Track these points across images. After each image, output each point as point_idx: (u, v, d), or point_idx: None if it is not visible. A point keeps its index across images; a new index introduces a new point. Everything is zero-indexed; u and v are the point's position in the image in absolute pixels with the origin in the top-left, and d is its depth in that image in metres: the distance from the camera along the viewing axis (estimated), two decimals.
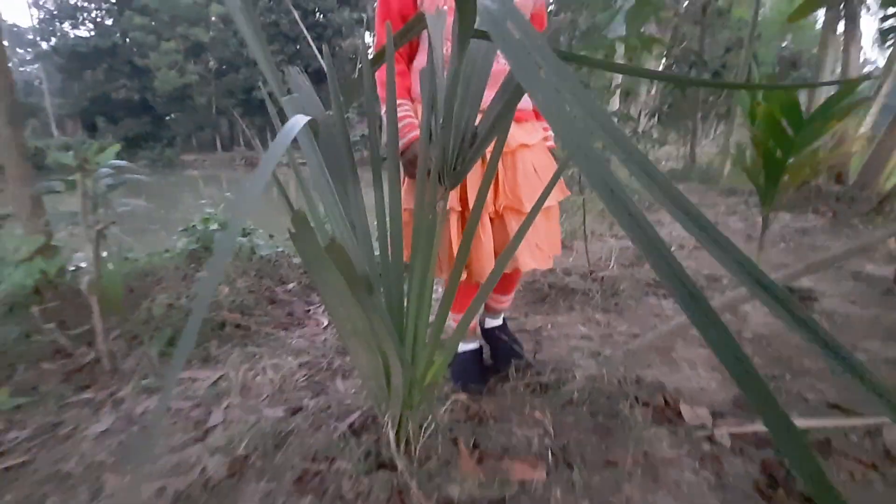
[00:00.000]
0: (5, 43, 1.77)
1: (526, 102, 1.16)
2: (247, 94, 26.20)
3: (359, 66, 0.85)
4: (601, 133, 0.43)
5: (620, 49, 2.30)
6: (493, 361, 1.41)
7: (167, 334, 1.54)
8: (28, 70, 31.40)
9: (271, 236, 2.79)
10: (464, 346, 1.36)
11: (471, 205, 1.05)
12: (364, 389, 1.26)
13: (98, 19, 28.29)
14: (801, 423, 1.12)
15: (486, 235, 1.12)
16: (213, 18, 25.85)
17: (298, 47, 25.22)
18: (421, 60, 1.14)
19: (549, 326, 1.73)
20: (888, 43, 3.88)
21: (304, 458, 0.99)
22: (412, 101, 1.14)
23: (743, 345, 1.54)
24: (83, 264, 2.00)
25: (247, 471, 0.99)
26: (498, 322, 1.45)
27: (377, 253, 0.90)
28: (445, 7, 1.02)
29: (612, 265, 2.31)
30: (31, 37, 28.45)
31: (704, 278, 2.17)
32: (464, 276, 1.12)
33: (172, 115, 27.70)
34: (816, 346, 0.34)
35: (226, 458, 1.01)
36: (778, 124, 1.52)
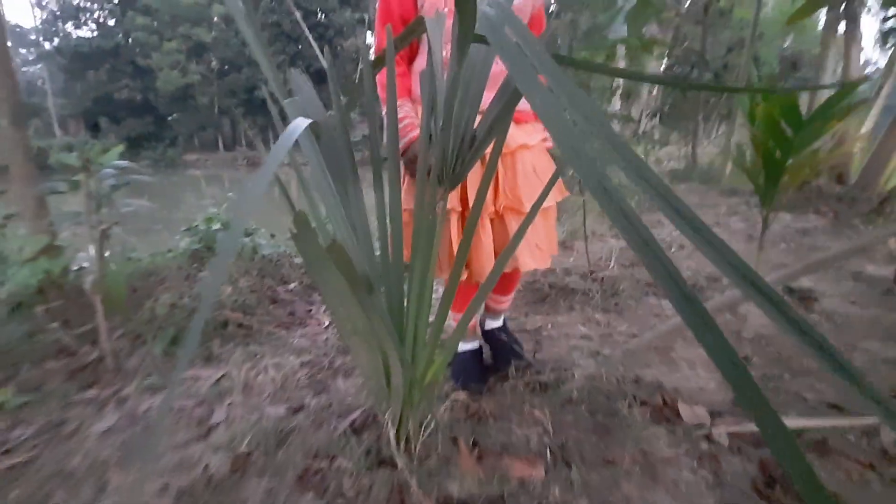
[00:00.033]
0: (8, 44, 1.79)
1: (526, 104, 1.17)
2: (249, 94, 26.26)
3: (360, 66, 0.86)
4: (597, 136, 0.44)
5: (622, 50, 2.31)
6: (494, 362, 1.42)
7: (170, 333, 1.55)
8: (31, 70, 31.51)
9: (273, 236, 2.80)
10: (464, 346, 1.37)
11: (471, 205, 1.06)
12: (365, 388, 1.27)
13: (100, 20, 28.39)
14: (798, 422, 1.12)
15: (486, 235, 1.13)
16: (216, 18, 25.91)
17: (300, 47, 25.27)
18: (421, 62, 1.15)
19: (549, 326, 1.74)
20: (889, 44, 3.87)
21: (305, 456, 1.01)
22: (413, 102, 1.15)
23: (742, 345, 1.56)
24: (86, 264, 2.02)
25: (249, 468, 1.00)
26: (498, 323, 1.46)
27: (378, 253, 0.91)
28: (446, 10, 1.03)
29: (612, 265, 2.32)
30: (33, 37, 28.57)
31: (704, 278, 2.17)
32: (464, 275, 1.13)
33: (175, 115, 27.77)
34: (806, 345, 0.35)
35: (228, 456, 1.03)
36: (777, 125, 1.52)
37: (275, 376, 1.39)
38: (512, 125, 1.07)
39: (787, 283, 2.05)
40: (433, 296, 0.99)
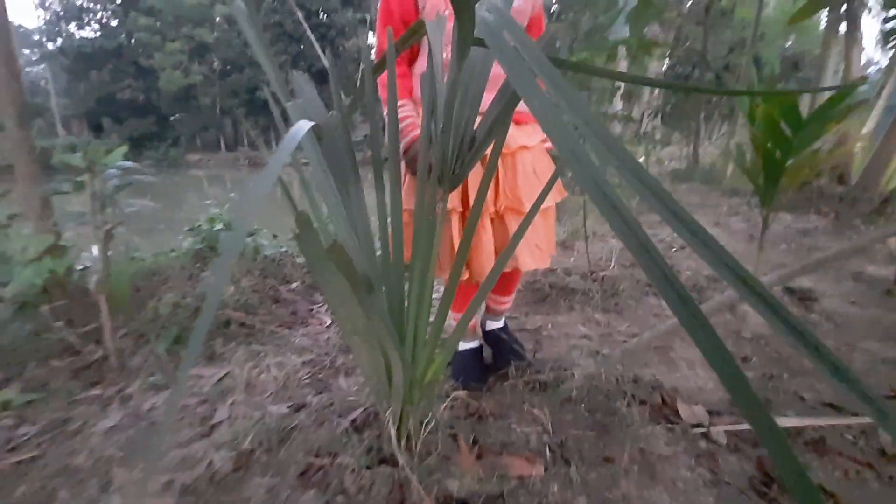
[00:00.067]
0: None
1: (525, 105, 1.18)
2: (251, 95, 26.32)
3: (361, 66, 0.87)
4: (594, 139, 0.45)
5: (623, 50, 2.31)
6: (495, 362, 1.43)
7: (173, 333, 1.57)
8: (34, 71, 31.62)
9: (275, 236, 2.82)
10: (464, 345, 1.38)
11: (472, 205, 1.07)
12: (366, 387, 1.28)
13: (103, 20, 28.49)
14: (796, 421, 1.13)
15: (486, 235, 1.14)
16: (218, 19, 25.98)
17: (302, 47, 25.32)
18: (422, 64, 1.16)
19: (550, 326, 1.75)
20: (890, 44, 3.87)
21: (307, 454, 1.02)
22: (414, 103, 1.16)
23: (742, 345, 1.57)
24: (89, 264, 2.03)
25: (252, 465, 1.01)
26: (499, 324, 1.47)
27: (378, 253, 0.92)
28: (446, 12, 1.04)
29: (612, 265, 2.33)
30: (37, 38, 28.66)
31: (704, 278, 2.18)
32: (465, 275, 1.14)
33: (177, 116, 27.85)
34: (801, 347, 0.35)
35: (231, 453, 1.04)
36: (777, 126, 1.53)
37: (277, 375, 1.41)
38: (512, 126, 1.08)
39: (787, 283, 2.06)
40: (433, 295, 1.00)
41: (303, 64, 24.90)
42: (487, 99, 0.86)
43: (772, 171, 1.63)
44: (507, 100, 0.80)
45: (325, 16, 26.55)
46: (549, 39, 0.79)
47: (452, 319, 1.36)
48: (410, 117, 1.11)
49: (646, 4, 2.41)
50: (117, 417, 1.24)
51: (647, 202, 0.42)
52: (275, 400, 1.29)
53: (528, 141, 1.16)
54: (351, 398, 1.26)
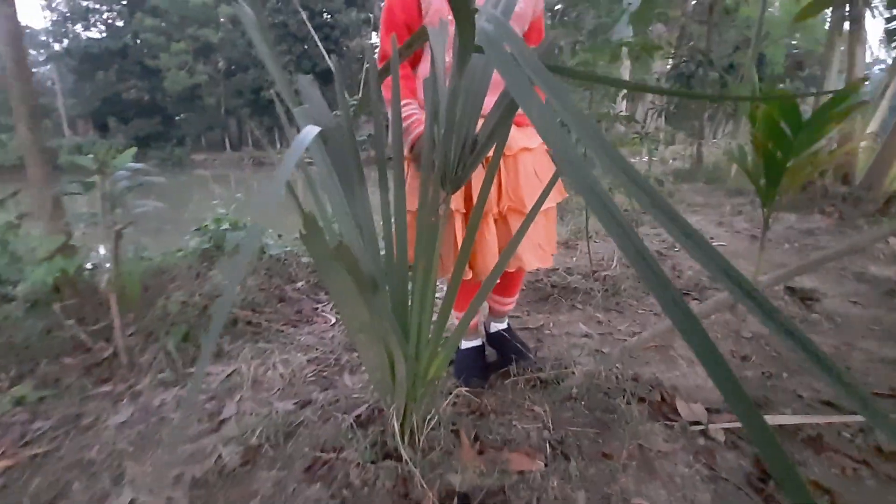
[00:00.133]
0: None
1: None
2: (255, 95, 26.43)
3: (365, 65, 0.89)
4: (591, 144, 0.47)
5: (626, 50, 2.32)
6: (499, 362, 1.44)
7: (182, 330, 1.60)
8: (41, 71, 31.84)
9: (280, 236, 2.85)
10: (466, 343, 1.40)
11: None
12: (370, 383, 1.31)
13: (109, 21, 28.68)
14: (794, 419, 1.15)
15: (490, 236, 1.16)
16: (223, 19, 26.09)
17: (306, 47, 25.39)
18: (425, 68, 1.18)
19: (551, 325, 1.76)
20: (894, 43, 3.85)
21: (313, 448, 1.04)
22: (418, 103, 1.18)
23: (741, 344, 1.58)
24: (96, 263, 2.07)
25: (259, 459, 1.04)
26: (503, 325, 1.48)
27: (383, 253, 0.95)
28: (449, 17, 1.06)
29: (614, 265, 2.34)
30: (43, 38, 28.87)
31: (706, 278, 2.19)
32: (468, 275, 1.17)
33: (182, 116, 28.02)
34: (794, 348, 0.37)
35: (239, 448, 1.07)
36: (777, 126, 1.54)
37: (283, 372, 1.43)
38: (514, 128, 1.10)
39: (789, 283, 2.07)
40: (436, 295, 1.03)
41: (306, 64, 24.98)
42: (489, 102, 0.88)
43: (773, 171, 1.64)
44: (508, 103, 0.82)
45: (329, 16, 26.61)
46: (549, 45, 0.81)
47: (455, 318, 1.38)
48: (415, 114, 1.13)
49: (649, 5, 2.42)
50: (128, 413, 1.27)
51: (644, 206, 0.43)
52: (281, 396, 1.32)
53: (529, 143, 1.18)
54: (355, 395, 1.29)
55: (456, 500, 0.89)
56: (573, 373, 1.30)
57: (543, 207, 1.10)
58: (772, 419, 1.14)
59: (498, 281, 1.08)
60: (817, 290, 2.03)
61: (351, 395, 1.28)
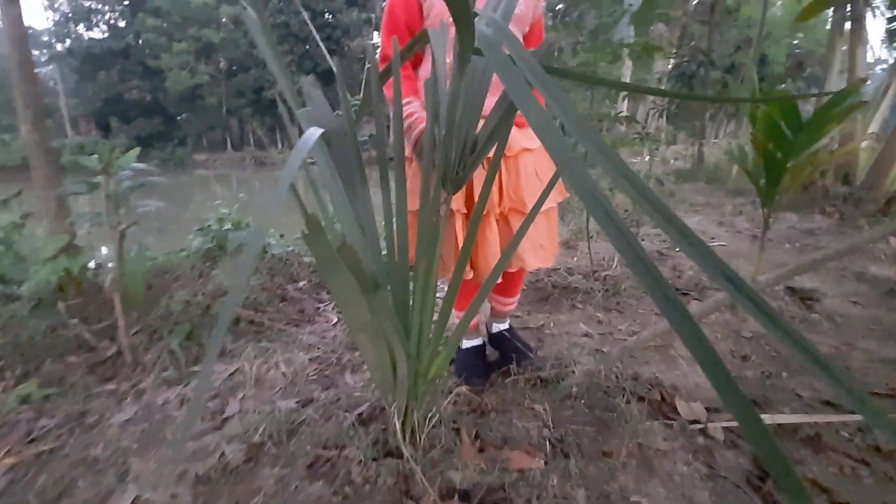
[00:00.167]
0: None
1: None
2: (257, 95, 26.48)
3: (367, 65, 0.90)
4: (589, 145, 0.48)
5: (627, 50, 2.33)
6: (501, 362, 1.44)
7: (185, 329, 1.61)
8: (43, 71, 31.93)
9: (282, 236, 2.86)
10: (467, 343, 1.41)
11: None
12: (372, 382, 1.32)
13: (111, 21, 28.74)
14: (793, 418, 1.15)
15: (493, 236, 1.16)
16: (224, 20, 26.13)
17: (308, 47, 25.42)
18: (426, 69, 1.19)
19: (552, 324, 1.77)
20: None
21: (315, 446, 1.06)
22: (420, 102, 1.19)
23: (741, 343, 1.59)
24: (99, 262, 2.09)
25: (262, 457, 1.05)
26: (504, 325, 1.49)
27: (384, 253, 0.96)
28: (450, 20, 1.07)
29: (615, 265, 2.35)
30: (46, 38, 28.90)
31: (707, 278, 2.19)
32: (469, 275, 1.17)
33: (184, 115, 28.07)
34: (789, 347, 0.37)
35: (242, 445, 1.08)
36: (777, 126, 1.55)
37: (285, 371, 1.45)
38: (514, 129, 1.11)
39: (788, 283, 2.07)
40: (437, 294, 1.04)
41: (308, 64, 25.02)
42: (490, 103, 0.89)
43: (773, 171, 1.64)
44: (508, 104, 0.83)
45: (331, 16, 26.64)
46: (547, 47, 0.82)
47: (455, 318, 1.39)
48: (418, 112, 1.13)
49: (650, 5, 2.42)
50: (132, 411, 1.28)
51: (641, 208, 0.44)
52: (283, 395, 1.33)
53: (529, 143, 1.19)
54: (357, 394, 1.30)
55: (456, 497, 0.90)
56: (573, 372, 1.31)
57: (544, 207, 1.11)
58: (771, 418, 1.15)
59: (499, 281, 1.09)
60: (817, 290, 2.04)
61: (352, 394, 1.29)
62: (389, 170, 0.92)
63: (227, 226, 2.54)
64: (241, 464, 1.03)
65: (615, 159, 0.47)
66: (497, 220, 1.19)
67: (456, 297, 0.98)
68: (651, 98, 8.13)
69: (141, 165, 1.62)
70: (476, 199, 1.13)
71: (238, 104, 27.27)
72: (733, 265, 2.64)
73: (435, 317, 0.99)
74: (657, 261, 2.55)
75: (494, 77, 0.87)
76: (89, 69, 26.88)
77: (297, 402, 1.27)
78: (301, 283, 2.25)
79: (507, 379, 1.33)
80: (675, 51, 7.40)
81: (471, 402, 1.22)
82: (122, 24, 28.44)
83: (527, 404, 1.20)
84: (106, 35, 28.28)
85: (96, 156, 1.48)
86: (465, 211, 1.16)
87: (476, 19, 0.57)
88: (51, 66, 28.36)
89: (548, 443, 1.05)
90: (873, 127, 4.30)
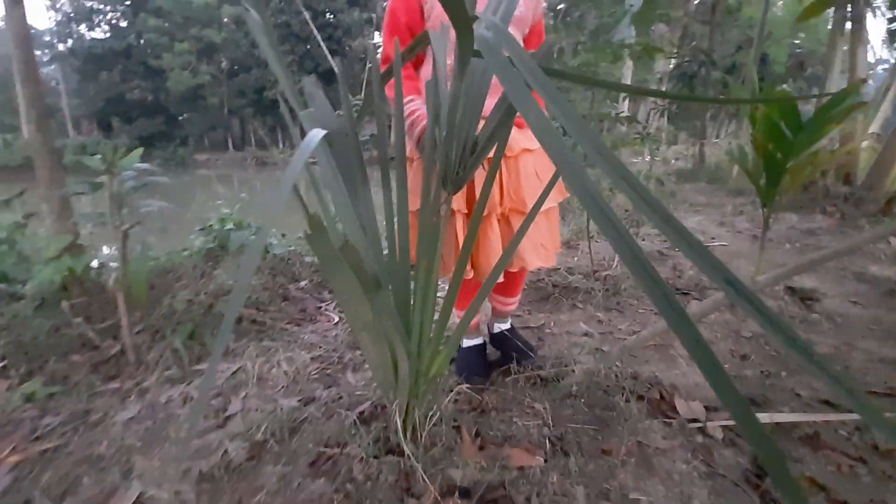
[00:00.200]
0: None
1: None
2: (258, 95, 26.51)
3: (368, 65, 0.91)
4: (588, 146, 0.49)
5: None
6: (502, 362, 1.45)
7: (188, 329, 1.62)
8: (45, 71, 32.00)
9: (284, 235, 2.87)
10: (468, 342, 1.42)
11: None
12: (373, 381, 1.33)
13: (113, 21, 28.79)
14: (791, 417, 1.16)
15: (494, 236, 1.17)
16: (226, 20, 26.17)
17: (309, 47, 25.44)
18: (427, 70, 1.20)
19: (552, 324, 1.78)
20: None
21: (317, 444, 1.07)
22: (422, 101, 1.19)
23: (741, 343, 1.60)
24: (102, 262, 2.10)
25: (265, 454, 1.06)
26: (506, 325, 1.50)
27: (385, 252, 0.96)
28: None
29: (615, 265, 2.35)
30: (48, 38, 28.97)
31: (707, 278, 2.20)
32: (470, 274, 1.18)
33: (185, 115, 28.13)
34: (783, 345, 0.38)
35: (245, 443, 1.09)
36: (777, 127, 1.55)
37: (287, 370, 1.46)
38: (515, 130, 1.12)
39: (788, 283, 2.08)
40: (438, 294, 1.05)
41: (309, 63, 25.04)
42: (490, 104, 0.89)
43: (773, 172, 1.65)
44: (508, 106, 0.84)
45: (332, 16, 26.67)
46: (547, 49, 0.83)
47: (456, 317, 1.40)
48: (420, 109, 1.14)
49: (651, 5, 2.43)
50: (136, 409, 1.29)
51: (639, 208, 0.45)
52: (286, 393, 1.34)
53: (530, 144, 1.20)
54: (358, 392, 1.31)
55: (457, 494, 0.91)
56: (573, 371, 1.32)
57: (545, 207, 1.12)
58: (769, 417, 1.16)
59: (499, 281, 1.10)
60: (817, 290, 2.04)
61: (354, 393, 1.30)
62: (390, 170, 0.93)
63: (229, 225, 2.55)
64: (244, 461, 1.04)
65: (613, 160, 0.47)
66: (499, 221, 1.19)
67: (456, 296, 0.99)
68: (652, 98, 8.13)
69: (144, 165, 1.63)
70: (477, 199, 1.14)
71: (239, 104, 27.31)
72: (734, 265, 2.63)
73: (436, 316, 1.00)
74: (658, 261, 2.56)
75: (494, 79, 0.88)
76: (91, 69, 26.94)
77: (299, 401, 1.28)
78: (303, 283, 2.27)
79: (507, 378, 1.34)
80: (676, 51, 7.40)
81: (471, 400, 1.23)
82: (123, 24, 28.50)
83: (527, 403, 1.21)
84: (108, 35, 28.34)
85: (99, 156, 1.49)
86: (466, 211, 1.17)
87: (476, 22, 0.58)
88: (53, 66, 28.43)
89: (548, 441, 1.06)
90: (874, 127, 4.30)
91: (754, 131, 1.64)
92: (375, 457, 0.99)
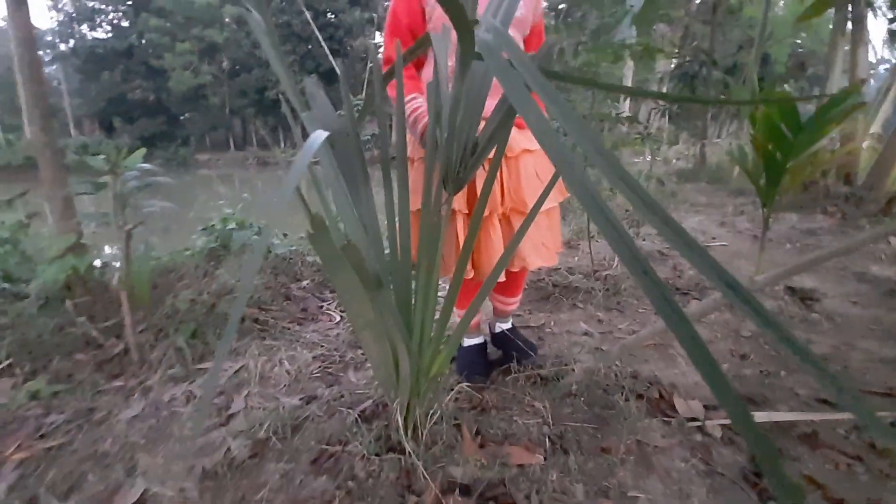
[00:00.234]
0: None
1: None
2: (259, 95, 26.54)
3: (369, 65, 0.92)
4: (587, 147, 0.50)
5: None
6: (503, 361, 1.46)
7: (191, 328, 1.63)
8: (47, 71, 32.05)
9: (285, 235, 2.88)
10: (469, 341, 1.43)
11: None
12: (375, 379, 1.34)
13: (115, 21, 28.83)
14: (789, 416, 1.17)
15: (496, 235, 1.18)
16: (227, 20, 26.20)
17: (310, 47, 25.45)
18: (428, 71, 1.20)
19: (552, 323, 1.79)
20: None
21: (319, 442, 1.08)
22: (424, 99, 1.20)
23: (741, 342, 1.60)
24: (105, 261, 2.11)
25: (267, 452, 1.07)
26: (507, 325, 1.50)
27: (387, 252, 0.97)
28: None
29: (615, 265, 2.36)
30: (50, 38, 29.01)
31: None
32: (470, 274, 1.19)
33: (187, 115, 28.18)
34: (778, 344, 0.38)
35: (248, 441, 1.10)
36: (777, 127, 1.56)
37: (289, 369, 1.47)
38: (515, 130, 1.13)
39: (788, 283, 2.08)
40: (439, 293, 1.05)
41: (310, 63, 25.05)
42: (490, 105, 0.90)
43: (773, 172, 1.65)
44: (508, 107, 0.85)
45: (333, 16, 26.68)
46: (547, 51, 0.83)
47: (457, 316, 1.40)
48: (422, 107, 1.15)
49: (652, 5, 2.43)
50: (139, 407, 1.30)
51: (637, 208, 0.46)
52: (288, 392, 1.35)
53: (530, 145, 1.20)
54: (360, 391, 1.32)
55: (457, 491, 0.92)
56: (573, 370, 1.33)
57: (545, 207, 1.13)
58: (768, 416, 1.16)
59: (500, 280, 1.10)
60: (817, 290, 2.05)
61: (355, 391, 1.31)
62: (392, 169, 0.94)
63: (231, 225, 2.56)
64: (247, 459, 1.05)
65: (613, 161, 0.48)
66: (499, 220, 1.20)
67: (457, 295, 1.00)
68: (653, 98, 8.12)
69: (147, 166, 1.64)
70: (477, 199, 1.15)
71: (241, 104, 27.35)
72: (734, 265, 2.63)
73: (437, 315, 1.01)
74: (658, 261, 2.56)
75: (495, 80, 0.89)
76: (93, 69, 27.00)
77: (301, 399, 1.29)
78: (304, 282, 2.28)
79: (507, 376, 1.35)
80: (677, 51, 7.40)
81: (472, 399, 1.24)
82: (125, 24, 28.54)
83: (527, 401, 1.22)
84: (109, 35, 28.39)
85: (103, 156, 1.51)
86: (467, 211, 1.17)
87: (476, 25, 0.59)
88: (54, 66, 28.48)
89: (547, 439, 1.07)
90: (875, 127, 4.30)
91: (754, 131, 1.65)
92: (377, 454, 1.00)
